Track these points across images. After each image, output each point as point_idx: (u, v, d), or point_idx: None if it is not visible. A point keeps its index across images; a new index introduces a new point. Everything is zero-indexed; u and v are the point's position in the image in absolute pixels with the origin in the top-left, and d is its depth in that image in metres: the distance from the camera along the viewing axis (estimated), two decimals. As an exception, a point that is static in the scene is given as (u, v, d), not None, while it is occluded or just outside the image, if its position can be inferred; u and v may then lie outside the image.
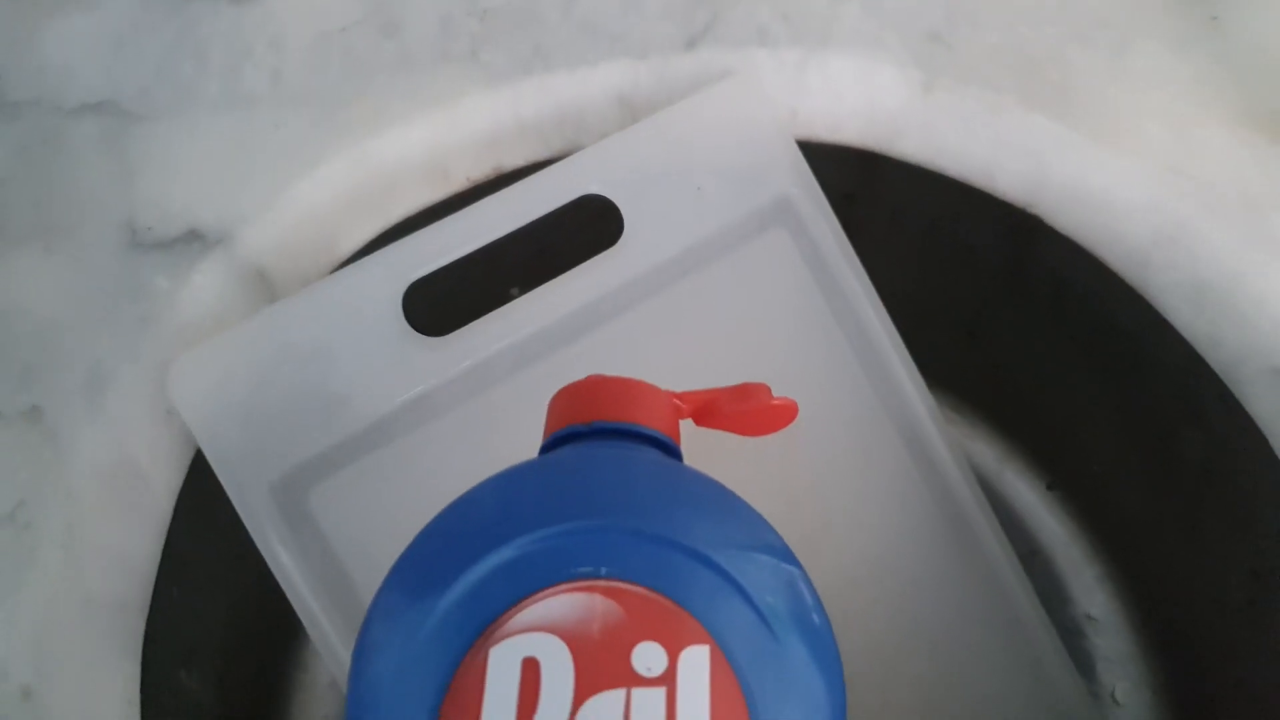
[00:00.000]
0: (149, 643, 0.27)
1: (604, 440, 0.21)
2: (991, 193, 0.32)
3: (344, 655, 0.27)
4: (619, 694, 0.16)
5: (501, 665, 0.16)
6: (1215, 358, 0.28)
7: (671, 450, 0.22)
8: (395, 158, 0.31)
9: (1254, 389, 0.28)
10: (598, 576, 0.17)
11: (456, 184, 0.32)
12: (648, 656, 0.16)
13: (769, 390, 0.23)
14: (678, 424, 0.23)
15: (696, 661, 0.16)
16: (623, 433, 0.21)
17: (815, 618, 0.18)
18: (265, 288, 0.29)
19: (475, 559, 0.17)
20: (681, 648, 0.16)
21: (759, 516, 0.19)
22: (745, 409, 0.23)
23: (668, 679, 0.16)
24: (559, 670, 0.16)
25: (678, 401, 0.23)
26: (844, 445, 0.33)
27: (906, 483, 0.33)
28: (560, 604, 0.16)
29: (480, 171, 0.32)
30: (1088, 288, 0.32)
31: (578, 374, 0.30)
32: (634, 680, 0.16)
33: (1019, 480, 0.40)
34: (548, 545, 0.17)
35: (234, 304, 0.29)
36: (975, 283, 0.36)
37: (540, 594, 0.16)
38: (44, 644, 0.23)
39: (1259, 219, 0.28)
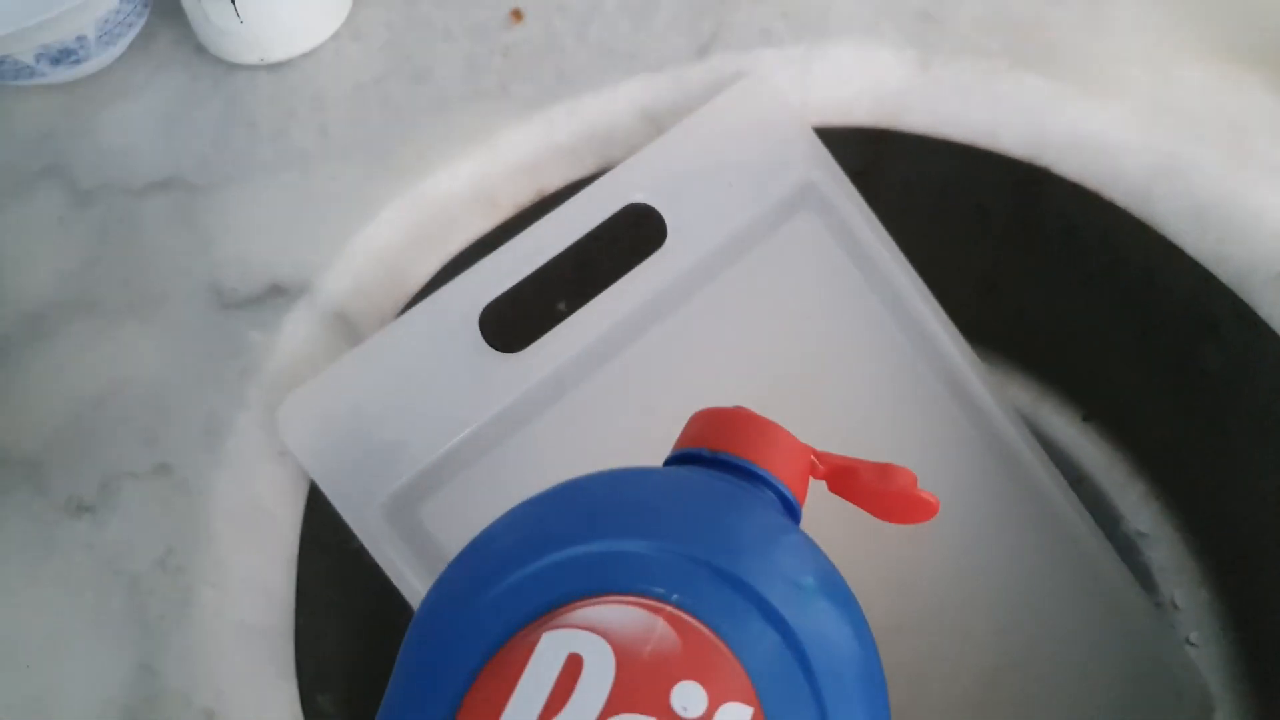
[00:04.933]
0: (286, 669, 0.29)
1: (726, 472, 0.20)
2: (997, 151, 0.35)
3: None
4: None
5: (548, 652, 0.16)
6: (1224, 272, 0.31)
7: (790, 504, 0.20)
8: (446, 193, 0.33)
9: (1264, 295, 0.30)
10: (668, 600, 0.16)
11: (504, 211, 0.35)
12: (688, 696, 0.15)
13: (914, 479, 0.21)
14: (807, 479, 0.21)
15: (735, 718, 0.15)
16: (747, 472, 0.20)
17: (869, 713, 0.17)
18: (347, 327, 0.32)
19: (560, 544, 0.17)
20: (725, 700, 0.15)
21: (856, 603, 0.18)
22: (884, 489, 0.21)
23: None
24: (599, 677, 0.15)
25: (814, 459, 0.21)
26: (893, 403, 0.35)
27: (955, 429, 0.36)
28: (623, 614, 0.16)
29: (525, 196, 0.35)
30: (1096, 226, 0.34)
31: (646, 370, 0.32)
32: (667, 714, 0.15)
33: (1056, 416, 0.43)
34: (632, 554, 0.16)
35: (323, 345, 0.31)
36: (990, 238, 0.39)
37: (607, 597, 0.16)
38: (215, 671, 0.25)
39: (1246, 142, 0.31)
